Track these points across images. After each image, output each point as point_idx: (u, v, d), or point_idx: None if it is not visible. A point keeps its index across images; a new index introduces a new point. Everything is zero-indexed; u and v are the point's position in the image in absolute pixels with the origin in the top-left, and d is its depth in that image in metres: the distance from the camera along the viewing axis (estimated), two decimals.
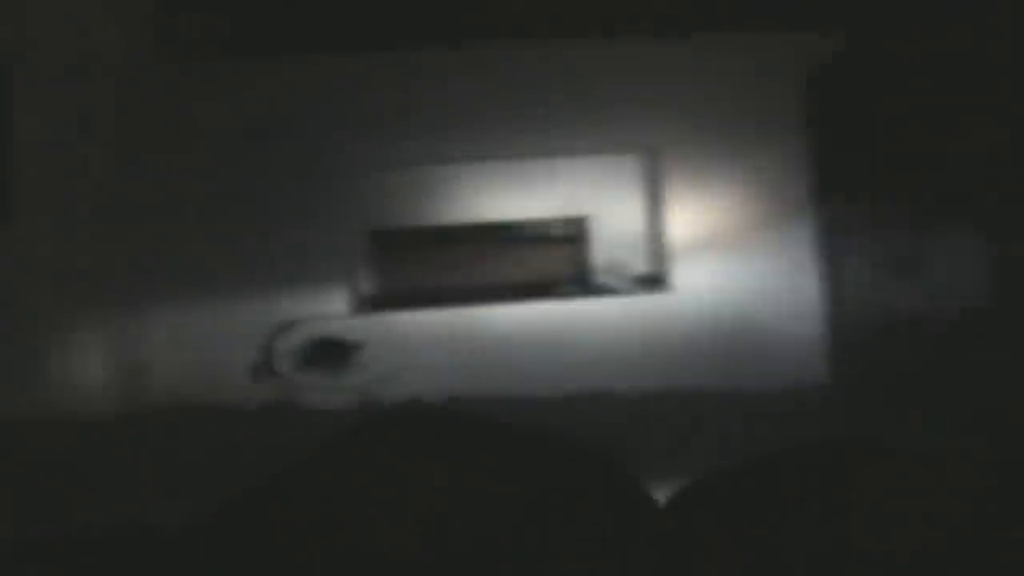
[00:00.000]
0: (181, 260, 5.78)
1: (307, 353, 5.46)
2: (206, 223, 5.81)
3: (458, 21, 5.77)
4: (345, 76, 5.88)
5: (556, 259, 6.16)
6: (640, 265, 6.11)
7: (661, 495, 2.25)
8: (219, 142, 5.85)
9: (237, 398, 5.59)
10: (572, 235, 6.15)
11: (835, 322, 5.84)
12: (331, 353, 5.46)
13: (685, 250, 5.98)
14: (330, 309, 5.70)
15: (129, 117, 5.80)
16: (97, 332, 5.52)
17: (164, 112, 5.87)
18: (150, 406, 5.59)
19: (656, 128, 6.03)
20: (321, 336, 5.51)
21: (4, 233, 5.56)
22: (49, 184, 5.58)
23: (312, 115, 5.85)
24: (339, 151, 5.86)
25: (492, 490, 2.03)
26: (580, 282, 6.05)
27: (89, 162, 5.62)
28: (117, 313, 5.65)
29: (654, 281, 6.02)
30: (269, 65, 5.84)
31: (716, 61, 5.99)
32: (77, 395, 5.34)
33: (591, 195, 6.15)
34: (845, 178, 5.74)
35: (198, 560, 2.03)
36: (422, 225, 6.02)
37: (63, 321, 5.44)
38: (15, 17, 5.59)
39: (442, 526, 1.95)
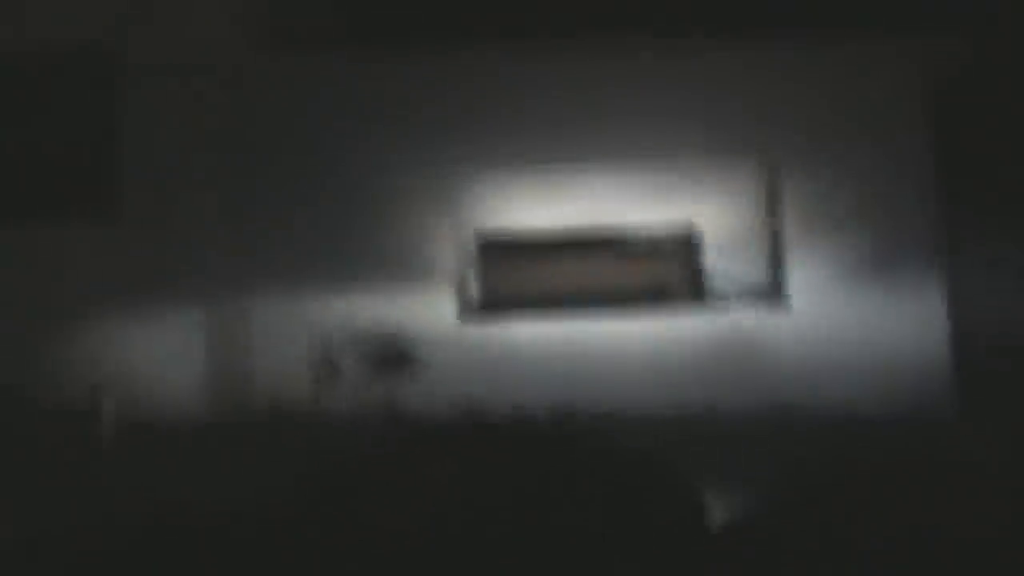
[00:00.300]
0: (285, 260, 5.71)
1: (374, 357, 5.36)
2: (313, 222, 5.74)
3: (573, 15, 5.63)
4: (456, 71, 5.76)
5: (666, 268, 5.97)
6: (755, 278, 5.88)
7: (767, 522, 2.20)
8: (326, 138, 5.78)
9: (341, 403, 5.50)
10: (684, 244, 5.95)
11: (961, 344, 5.55)
12: (398, 358, 5.36)
13: (802, 264, 5.74)
14: (435, 315, 5.59)
15: (238, 112, 5.76)
16: (201, 332, 5.50)
17: (273, 107, 5.79)
18: (248, 405, 5.54)
19: (776, 138, 5.81)
20: (389, 340, 5.40)
21: (111, 231, 5.54)
22: (158, 181, 5.57)
23: (423, 112, 5.75)
24: (447, 150, 5.75)
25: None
26: (691, 293, 5.85)
27: (199, 159, 5.62)
28: (221, 312, 5.61)
29: (770, 295, 5.80)
30: (379, 59, 5.74)
31: (839, 71, 5.76)
32: (175, 394, 5.31)
33: (705, 204, 5.93)
34: (972, 194, 5.46)
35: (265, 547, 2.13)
36: (530, 230, 5.87)
37: (168, 319, 5.44)
38: (125, 12, 5.68)
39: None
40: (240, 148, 5.75)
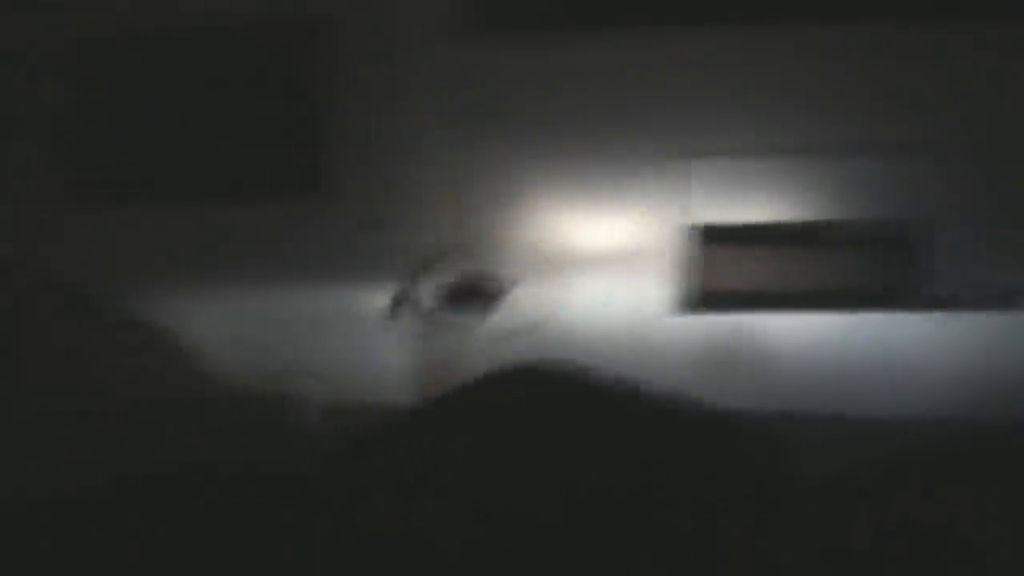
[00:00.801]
0: (486, 240, 5.50)
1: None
2: (516, 205, 5.53)
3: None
4: (674, 55, 5.45)
5: (884, 266, 5.52)
6: (990, 278, 5.39)
7: None
8: (531, 120, 5.55)
9: None
10: (906, 239, 5.49)
11: None
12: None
13: None
14: (650, 307, 5.30)
15: (439, 89, 5.61)
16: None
17: (484, 90, 5.64)
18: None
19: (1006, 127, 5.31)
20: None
21: (313, 196, 5.49)
22: (358, 153, 5.50)
23: (642, 98, 5.46)
24: (658, 137, 5.44)
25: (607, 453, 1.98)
26: (913, 293, 5.40)
27: (398, 133, 5.50)
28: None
29: (1010, 297, 5.30)
30: (596, 43, 5.47)
31: None
32: (382, 375, 5.18)
33: (931, 195, 5.46)
34: None
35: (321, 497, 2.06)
36: (749, 222, 5.49)
37: (366, 294, 5.31)
38: None
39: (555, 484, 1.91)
40: (450, 128, 5.59)
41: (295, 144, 5.60)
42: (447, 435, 2.11)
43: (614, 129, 5.49)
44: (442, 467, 2.00)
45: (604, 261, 5.43)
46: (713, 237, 5.52)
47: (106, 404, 4.57)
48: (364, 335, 5.36)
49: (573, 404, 2.19)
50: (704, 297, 5.44)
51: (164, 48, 5.79)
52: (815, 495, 2.14)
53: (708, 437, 2.19)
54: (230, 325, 5.46)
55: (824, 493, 2.12)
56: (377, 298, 5.33)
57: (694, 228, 5.50)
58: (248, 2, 5.61)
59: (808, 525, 2.03)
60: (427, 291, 5.15)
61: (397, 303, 5.17)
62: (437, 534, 1.89)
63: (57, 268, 5.51)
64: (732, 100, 5.41)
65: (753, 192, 5.49)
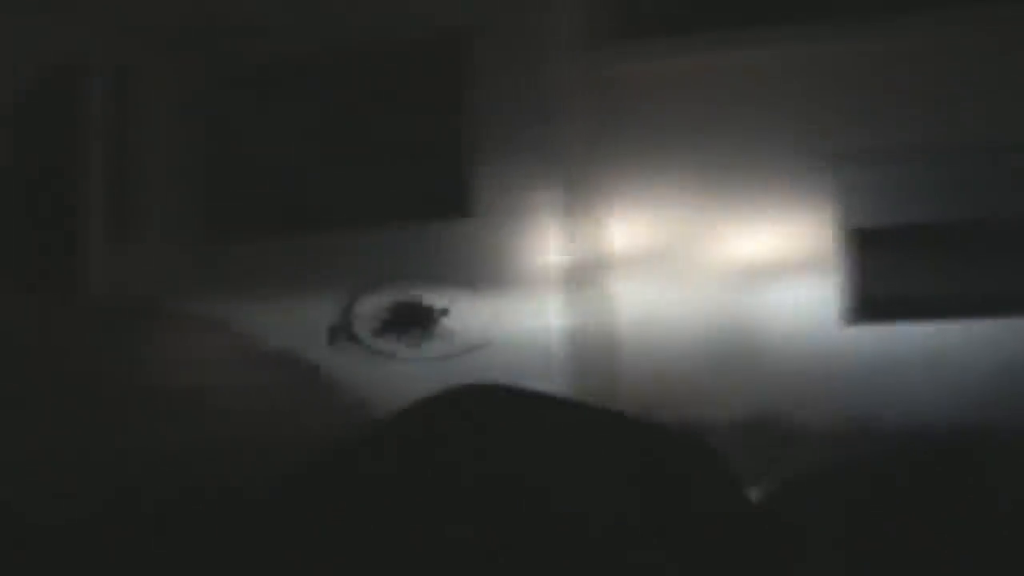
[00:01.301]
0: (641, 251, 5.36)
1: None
2: (666, 216, 5.38)
3: None
4: (827, 57, 5.23)
5: None
6: None
7: None
8: (673, 125, 5.39)
9: None
10: None
11: None
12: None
13: None
14: (817, 316, 5.07)
15: (579, 96, 5.50)
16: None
17: (617, 93, 5.48)
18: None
19: None
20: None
21: (463, 224, 5.38)
22: (504, 167, 5.37)
23: (798, 101, 5.25)
24: (815, 139, 5.24)
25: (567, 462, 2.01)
26: None
27: (543, 141, 5.37)
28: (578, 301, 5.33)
29: None
30: (742, 46, 5.27)
31: None
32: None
33: None
34: None
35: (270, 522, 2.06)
36: (905, 223, 5.24)
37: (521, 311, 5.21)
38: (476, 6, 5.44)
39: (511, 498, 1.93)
40: (589, 142, 5.47)
41: (442, 165, 5.57)
42: (392, 457, 2.13)
43: (768, 132, 5.28)
44: (390, 489, 2.02)
45: (764, 270, 5.22)
46: (871, 241, 5.26)
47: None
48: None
49: (523, 418, 2.21)
50: (867, 305, 5.18)
51: (309, 75, 5.80)
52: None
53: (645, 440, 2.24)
54: None
55: None
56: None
57: (851, 232, 5.26)
58: (386, 27, 5.56)
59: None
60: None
61: (333, 333, 5.13)
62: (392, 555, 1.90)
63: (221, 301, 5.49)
64: (890, 102, 5.16)
65: (909, 193, 5.23)
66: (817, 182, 5.25)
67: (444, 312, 5.12)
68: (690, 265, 5.38)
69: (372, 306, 5.29)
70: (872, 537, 1.93)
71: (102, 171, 5.86)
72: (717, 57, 5.37)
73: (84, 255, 5.79)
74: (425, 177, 5.60)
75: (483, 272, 5.36)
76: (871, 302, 5.13)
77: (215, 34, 5.75)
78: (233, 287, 5.56)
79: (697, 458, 2.21)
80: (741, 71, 5.40)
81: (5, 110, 5.86)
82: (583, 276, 5.40)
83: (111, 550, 2.31)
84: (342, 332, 5.16)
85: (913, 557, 1.88)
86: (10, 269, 5.73)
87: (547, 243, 5.38)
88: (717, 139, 5.41)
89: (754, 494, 2.31)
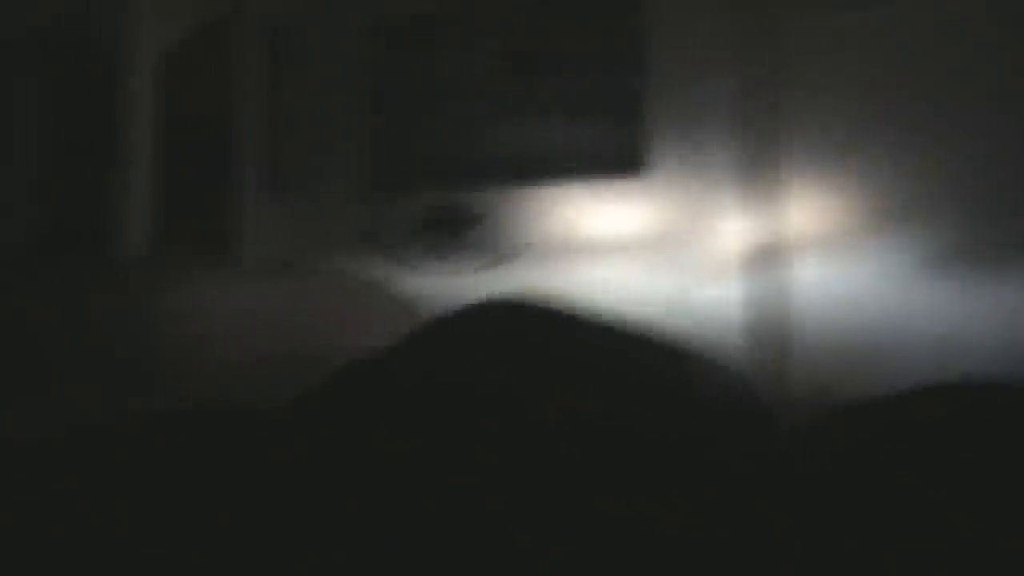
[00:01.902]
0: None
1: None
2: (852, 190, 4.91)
3: None
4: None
5: None
6: None
7: None
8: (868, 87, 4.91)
9: None
10: None
11: None
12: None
13: None
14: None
15: (768, 70, 5.09)
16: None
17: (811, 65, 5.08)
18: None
19: None
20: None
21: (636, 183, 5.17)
22: (681, 131, 5.12)
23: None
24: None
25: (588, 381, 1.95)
26: None
27: (718, 107, 5.05)
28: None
29: None
30: None
31: None
32: None
33: None
34: None
35: (296, 435, 2.03)
36: None
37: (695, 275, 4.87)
38: None
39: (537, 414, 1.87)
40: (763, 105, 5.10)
41: (616, 120, 5.28)
42: (426, 367, 2.10)
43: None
44: (423, 400, 1.97)
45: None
46: None
47: None
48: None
49: (559, 334, 2.18)
50: None
51: (475, 25, 5.57)
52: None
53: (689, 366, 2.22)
54: None
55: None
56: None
57: None
58: None
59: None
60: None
61: (365, 239, 4.90)
62: (423, 465, 1.85)
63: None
64: None
65: None
66: None
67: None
68: (872, 243, 4.89)
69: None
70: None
71: (256, 126, 5.72)
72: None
73: (238, 212, 5.65)
74: (598, 132, 5.34)
75: (656, 232, 5.12)
76: None
77: None
78: (391, 244, 5.38)
79: (731, 388, 2.22)
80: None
81: (158, 66, 5.76)
82: (761, 246, 5.05)
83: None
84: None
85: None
86: (162, 226, 5.64)
87: (724, 206, 5.07)
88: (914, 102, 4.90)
89: None
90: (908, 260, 4.90)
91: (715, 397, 2.13)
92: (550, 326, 2.22)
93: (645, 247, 5.13)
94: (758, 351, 4.94)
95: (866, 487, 1.79)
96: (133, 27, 5.62)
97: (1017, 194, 4.77)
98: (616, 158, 5.27)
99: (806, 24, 5.08)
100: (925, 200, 4.88)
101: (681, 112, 5.14)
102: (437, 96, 5.62)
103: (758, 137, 5.11)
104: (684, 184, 5.09)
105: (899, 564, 1.66)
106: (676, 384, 2.10)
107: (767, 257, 5.06)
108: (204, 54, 5.76)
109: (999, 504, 1.71)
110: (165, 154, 5.74)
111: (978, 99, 4.81)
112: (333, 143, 5.70)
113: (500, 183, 5.40)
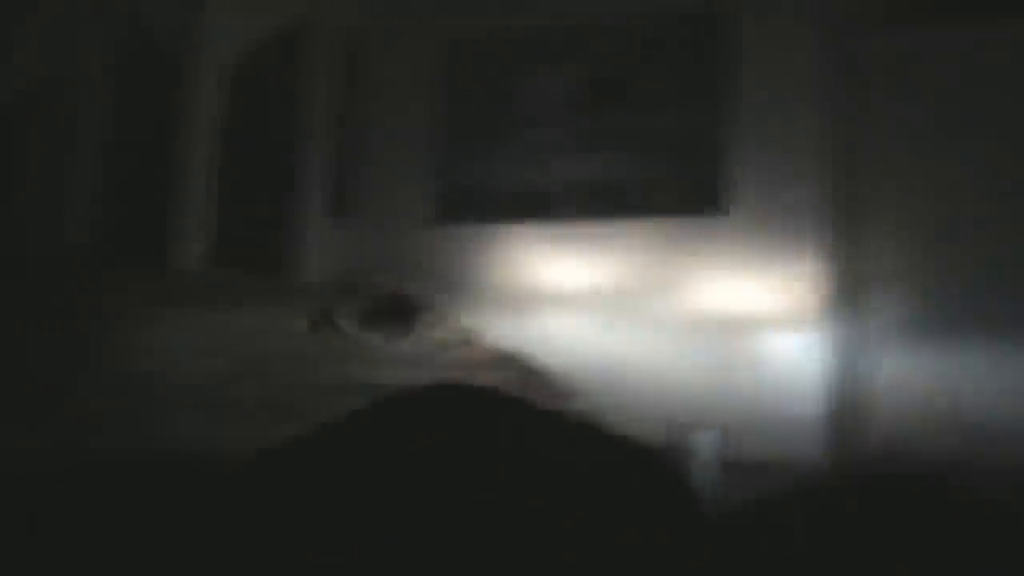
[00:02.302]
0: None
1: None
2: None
3: None
4: None
5: None
6: None
7: None
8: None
9: None
10: None
11: None
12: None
13: None
14: None
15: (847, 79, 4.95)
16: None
17: (889, 87, 4.94)
18: None
19: None
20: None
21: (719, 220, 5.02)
22: (762, 170, 4.96)
23: None
24: None
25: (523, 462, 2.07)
26: None
27: (808, 129, 4.91)
28: None
29: None
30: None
31: None
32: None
33: None
34: None
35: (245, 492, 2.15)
36: None
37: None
38: None
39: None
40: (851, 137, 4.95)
41: (694, 156, 5.13)
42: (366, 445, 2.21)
43: None
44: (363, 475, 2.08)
45: None
46: None
47: None
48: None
49: (495, 417, 2.29)
50: None
51: (550, 51, 5.41)
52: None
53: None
54: None
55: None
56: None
57: None
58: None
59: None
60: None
61: (315, 323, 4.76)
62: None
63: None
64: None
65: None
66: None
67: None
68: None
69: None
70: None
71: (323, 145, 5.56)
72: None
73: (300, 230, 5.49)
74: (675, 168, 5.18)
75: (738, 270, 4.92)
76: None
77: (449, 3, 5.44)
78: (452, 272, 5.25)
79: (659, 475, 2.28)
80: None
81: (224, 77, 5.62)
82: (842, 288, 4.82)
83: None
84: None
85: None
86: (221, 241, 5.49)
87: (805, 247, 4.88)
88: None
89: None
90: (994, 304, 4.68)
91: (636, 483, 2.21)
92: (492, 411, 2.34)
93: (722, 288, 4.94)
94: (836, 401, 4.70)
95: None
96: (201, 37, 5.49)
97: None
98: (695, 195, 5.10)
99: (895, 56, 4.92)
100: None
101: (763, 150, 4.95)
102: (510, 124, 5.44)
103: (841, 176, 4.91)
104: (764, 224, 4.89)
105: None
106: (602, 469, 2.18)
107: (848, 300, 4.84)
108: (273, 67, 5.62)
109: None
110: (227, 167, 5.59)
111: None
112: (400, 169, 5.52)
113: (569, 217, 5.23)
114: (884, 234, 4.91)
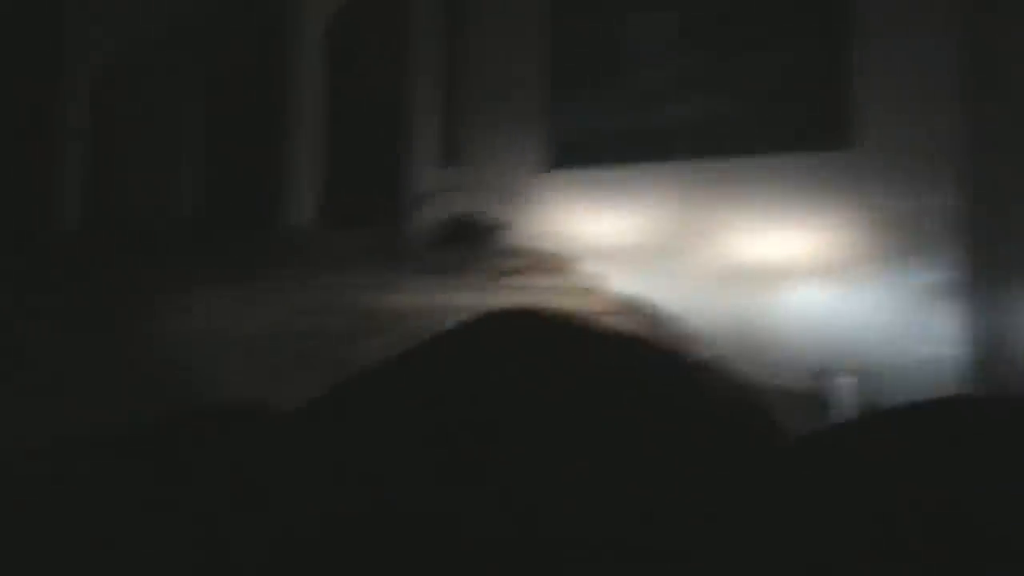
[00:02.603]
0: None
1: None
2: None
3: None
4: None
5: None
6: None
7: None
8: None
9: None
10: None
11: None
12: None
13: None
14: None
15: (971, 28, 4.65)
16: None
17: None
18: None
19: None
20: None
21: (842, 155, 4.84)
22: (890, 105, 4.72)
23: None
24: None
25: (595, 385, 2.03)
26: None
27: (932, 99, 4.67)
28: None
29: None
30: None
31: None
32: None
33: None
34: None
35: (313, 435, 2.12)
36: None
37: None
38: None
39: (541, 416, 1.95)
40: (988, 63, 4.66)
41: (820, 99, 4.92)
42: (437, 372, 2.17)
43: None
44: (429, 403, 2.03)
45: None
46: None
47: None
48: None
49: (566, 341, 2.24)
50: None
51: None
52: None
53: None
54: None
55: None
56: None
57: None
58: None
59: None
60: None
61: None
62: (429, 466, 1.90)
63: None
64: None
65: None
66: None
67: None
68: None
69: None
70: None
71: (430, 96, 5.44)
72: None
73: (411, 181, 5.40)
74: (794, 103, 4.97)
75: (864, 208, 4.71)
76: None
77: None
78: (566, 219, 5.12)
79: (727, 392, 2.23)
80: None
81: (324, 36, 5.54)
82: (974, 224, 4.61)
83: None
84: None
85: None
86: (330, 197, 5.45)
87: (937, 183, 4.63)
88: None
89: None
90: None
91: (710, 400, 2.17)
92: (556, 335, 2.30)
93: (848, 228, 4.73)
94: (977, 344, 4.46)
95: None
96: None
97: None
98: (821, 132, 4.87)
99: None
100: None
101: (889, 81, 4.69)
102: (619, 64, 5.24)
103: (979, 107, 4.62)
104: (893, 159, 4.65)
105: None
106: (672, 387, 2.15)
107: (985, 237, 4.57)
108: (373, 21, 5.52)
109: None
110: (331, 125, 5.52)
111: None
112: (508, 116, 5.37)
113: (694, 155, 5.03)
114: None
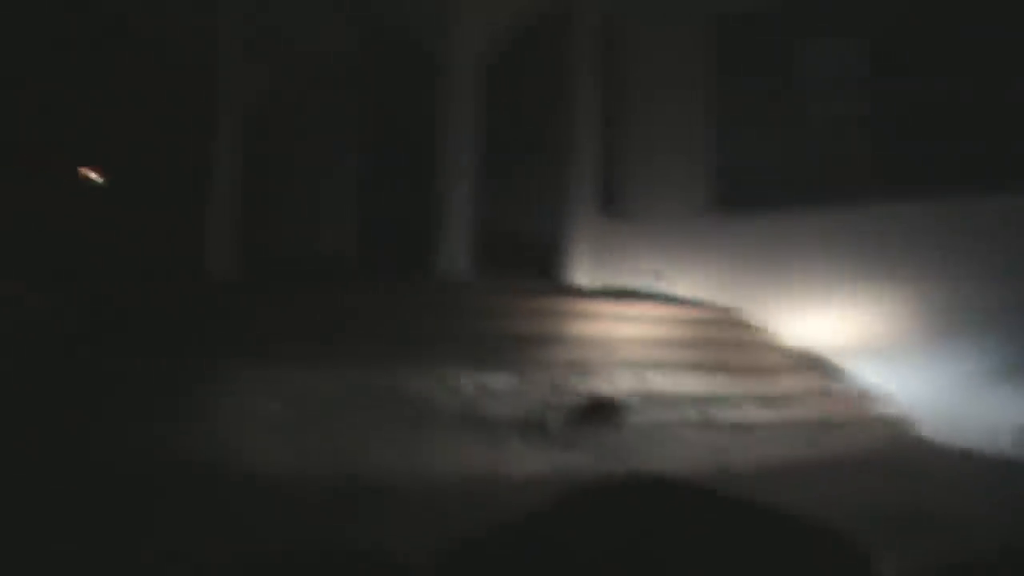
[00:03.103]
0: None
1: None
2: None
3: None
4: None
5: None
6: None
7: None
8: None
9: None
10: None
11: None
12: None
13: None
14: None
15: None
16: None
17: None
18: None
19: None
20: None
21: None
22: None
23: None
24: None
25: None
26: None
27: None
28: None
29: None
30: None
31: None
32: None
33: None
34: None
35: None
36: None
37: None
38: None
39: None
40: None
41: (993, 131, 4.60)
42: (564, 539, 2.16)
43: None
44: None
45: None
46: None
47: None
48: None
49: (692, 513, 2.24)
50: None
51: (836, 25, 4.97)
52: None
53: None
54: None
55: None
56: None
57: None
58: None
59: None
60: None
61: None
62: None
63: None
64: None
65: None
66: None
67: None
68: None
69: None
70: None
71: (590, 136, 5.29)
72: None
73: (571, 228, 5.27)
74: (966, 141, 4.66)
75: None
76: None
77: None
78: (729, 263, 4.93)
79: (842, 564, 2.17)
80: None
81: (480, 71, 5.41)
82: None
83: None
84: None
85: None
86: (486, 242, 5.33)
87: None
88: None
89: None
90: None
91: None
92: (684, 504, 2.31)
93: None
94: None
95: None
96: (455, 29, 5.28)
97: None
98: (992, 170, 4.55)
99: None
100: None
101: None
102: (787, 101, 5.03)
103: None
104: None
105: None
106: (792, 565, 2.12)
107: None
108: (528, 61, 5.39)
109: None
110: (487, 163, 5.37)
111: None
112: (670, 158, 5.19)
113: (855, 200, 4.77)
114: None
